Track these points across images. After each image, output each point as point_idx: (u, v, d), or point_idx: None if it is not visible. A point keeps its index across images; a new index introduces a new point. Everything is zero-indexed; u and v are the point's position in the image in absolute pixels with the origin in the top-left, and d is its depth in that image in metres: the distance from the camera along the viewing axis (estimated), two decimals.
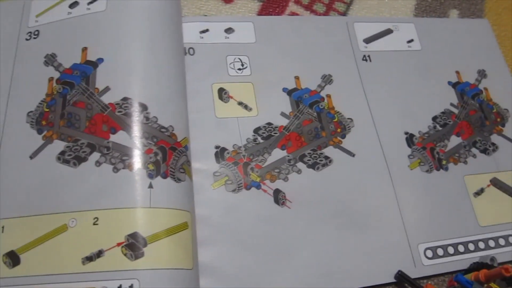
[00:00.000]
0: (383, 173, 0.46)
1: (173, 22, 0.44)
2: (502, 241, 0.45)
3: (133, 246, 0.34)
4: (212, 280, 0.39)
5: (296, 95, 0.48)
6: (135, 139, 0.38)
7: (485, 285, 0.33)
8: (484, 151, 0.50)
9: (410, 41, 0.54)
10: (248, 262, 0.40)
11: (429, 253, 0.43)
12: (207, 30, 0.49)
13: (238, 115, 0.45)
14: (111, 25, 0.41)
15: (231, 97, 0.46)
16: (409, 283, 0.40)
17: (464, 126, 0.51)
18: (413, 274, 0.42)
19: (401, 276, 0.40)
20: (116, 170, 0.37)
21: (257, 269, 0.40)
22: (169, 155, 0.39)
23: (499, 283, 0.34)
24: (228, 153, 0.43)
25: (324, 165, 0.45)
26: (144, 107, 0.39)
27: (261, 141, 0.45)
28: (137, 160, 0.37)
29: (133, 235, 0.35)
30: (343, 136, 0.47)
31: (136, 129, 0.38)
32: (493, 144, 0.51)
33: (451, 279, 0.40)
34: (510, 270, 0.31)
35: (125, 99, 0.39)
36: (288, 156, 0.45)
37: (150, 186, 0.37)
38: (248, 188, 0.43)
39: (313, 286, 0.40)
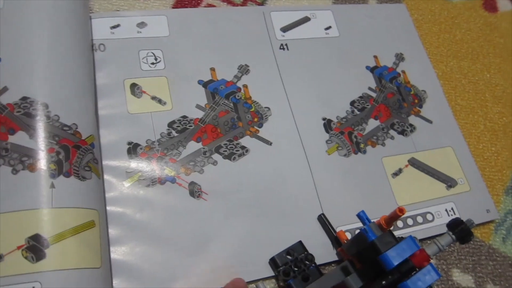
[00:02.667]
0: (300, 159, 0.46)
1: (78, 18, 0.43)
2: (420, 219, 0.47)
3: (34, 248, 0.33)
4: (126, 278, 0.38)
5: (212, 86, 0.47)
6: (35, 139, 0.37)
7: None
8: (402, 132, 0.51)
9: (328, 28, 0.55)
10: (163, 258, 0.39)
11: (348, 236, 0.44)
12: (118, 26, 0.48)
13: (151, 110, 0.45)
14: (9, 23, 0.40)
15: (144, 92, 0.45)
16: (326, 226, 0.43)
17: (382, 109, 0.52)
18: (332, 257, 0.43)
19: (321, 218, 0.43)
20: (15, 171, 0.36)
21: (173, 264, 0.39)
22: (73, 153, 0.38)
23: None
24: (141, 148, 0.43)
25: (240, 155, 0.45)
26: (45, 106, 0.38)
27: (176, 134, 0.44)
28: (37, 160, 0.36)
29: (34, 237, 0.34)
30: (260, 125, 0.47)
31: (36, 129, 0.37)
32: (411, 125, 0.52)
33: None
34: (404, 211, 0.34)
35: (24, 98, 0.38)
36: (204, 148, 0.44)
37: (52, 186, 0.36)
38: (162, 182, 0.42)
39: (231, 276, 0.40)
